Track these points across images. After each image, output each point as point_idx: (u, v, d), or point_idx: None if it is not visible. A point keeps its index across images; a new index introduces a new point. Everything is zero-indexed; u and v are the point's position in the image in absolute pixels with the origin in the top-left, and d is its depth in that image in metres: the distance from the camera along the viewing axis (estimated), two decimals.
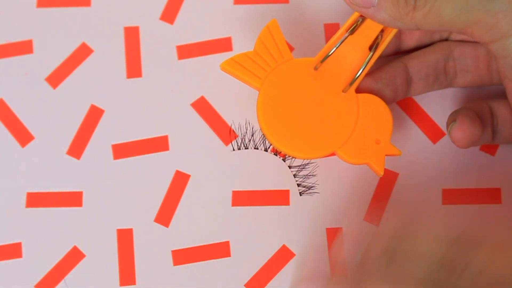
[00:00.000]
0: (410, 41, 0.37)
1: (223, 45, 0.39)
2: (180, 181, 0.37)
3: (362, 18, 0.35)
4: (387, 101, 0.35)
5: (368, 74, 0.35)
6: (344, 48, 0.35)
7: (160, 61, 0.39)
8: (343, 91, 0.35)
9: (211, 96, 0.39)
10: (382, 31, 0.35)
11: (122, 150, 0.38)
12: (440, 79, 0.36)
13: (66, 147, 0.38)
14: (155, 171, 0.38)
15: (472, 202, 0.37)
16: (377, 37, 0.35)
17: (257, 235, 0.37)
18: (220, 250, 0.37)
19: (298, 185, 0.37)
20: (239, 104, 0.38)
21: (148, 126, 0.38)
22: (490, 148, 0.38)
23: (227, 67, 0.35)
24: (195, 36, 0.40)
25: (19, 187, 0.37)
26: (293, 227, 0.37)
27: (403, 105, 0.38)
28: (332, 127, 0.34)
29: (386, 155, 0.35)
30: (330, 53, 0.35)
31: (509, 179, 0.37)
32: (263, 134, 0.36)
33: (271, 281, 0.36)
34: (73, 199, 0.37)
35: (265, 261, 0.36)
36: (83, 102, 0.39)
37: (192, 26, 0.40)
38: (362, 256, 0.30)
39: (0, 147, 0.38)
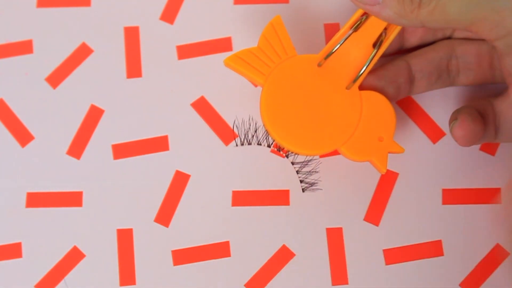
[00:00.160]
0: (413, 39, 0.37)
1: (223, 45, 0.39)
2: (180, 181, 0.37)
3: (366, 15, 0.35)
4: (390, 99, 0.35)
5: (371, 71, 0.35)
6: (348, 45, 0.35)
7: (160, 61, 0.39)
8: (347, 88, 0.35)
9: (211, 96, 0.39)
10: (385, 28, 0.35)
11: (122, 150, 0.38)
12: (443, 77, 0.36)
13: (66, 147, 0.38)
14: (155, 171, 0.38)
15: (472, 202, 0.37)
16: (381, 35, 0.35)
17: (257, 235, 0.37)
18: (220, 250, 0.37)
19: (301, 181, 0.37)
20: (239, 104, 0.38)
21: (148, 126, 0.38)
22: (490, 148, 0.38)
23: (230, 63, 0.35)
24: (195, 36, 0.40)
25: (19, 187, 0.37)
26: (293, 227, 0.37)
27: (403, 105, 0.38)
28: (335, 124, 0.34)
29: (389, 152, 0.35)
30: (333, 50, 0.35)
31: (509, 179, 0.37)
32: (266, 130, 0.36)
33: (271, 281, 0.36)
34: (73, 199, 0.37)
35: (265, 261, 0.36)
36: (83, 102, 0.39)
37: (192, 26, 0.40)
38: None
39: (0, 147, 0.38)
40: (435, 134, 0.38)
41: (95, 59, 0.39)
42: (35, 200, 0.37)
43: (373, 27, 0.35)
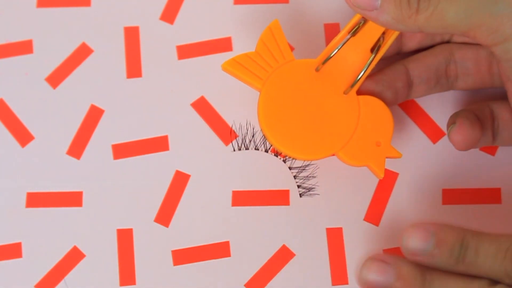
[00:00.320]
0: (411, 43, 0.37)
1: (223, 45, 0.39)
2: (180, 181, 0.37)
3: (364, 20, 0.35)
4: (388, 104, 0.35)
5: (369, 76, 0.35)
6: (346, 50, 0.35)
7: (160, 61, 0.39)
8: (344, 92, 0.35)
9: (211, 96, 0.39)
10: (383, 33, 0.35)
11: (122, 150, 0.38)
12: (441, 82, 0.36)
13: (66, 147, 0.38)
14: (155, 171, 0.38)
15: (472, 202, 0.37)
16: (378, 39, 0.35)
17: (257, 235, 0.37)
18: (220, 250, 0.37)
19: (298, 186, 0.37)
20: (239, 104, 0.38)
21: (148, 126, 0.38)
22: (490, 148, 0.38)
23: (228, 67, 0.35)
24: (195, 36, 0.40)
25: (19, 187, 0.37)
26: (293, 227, 0.37)
27: (403, 105, 0.38)
28: (333, 128, 0.34)
29: (386, 157, 0.35)
30: (331, 55, 0.35)
31: (509, 179, 0.37)
32: (263, 135, 0.36)
33: (271, 281, 0.36)
34: (73, 199, 0.37)
35: (265, 261, 0.36)
36: (83, 102, 0.39)
37: (192, 26, 0.40)
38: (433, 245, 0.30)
39: (0, 147, 0.38)
40: (435, 134, 0.38)
41: (95, 59, 0.39)
42: (35, 200, 0.37)
43: (371, 32, 0.35)
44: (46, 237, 0.37)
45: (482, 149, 0.38)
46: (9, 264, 0.36)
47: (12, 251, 0.37)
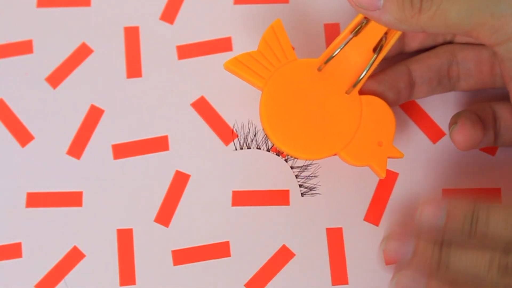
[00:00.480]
0: (413, 43, 0.37)
1: (223, 45, 0.39)
2: (180, 181, 0.37)
3: (367, 19, 0.35)
4: (390, 104, 0.35)
5: (371, 76, 0.35)
6: (348, 50, 0.35)
7: (160, 61, 0.39)
8: (346, 92, 0.35)
9: (211, 96, 0.39)
10: (386, 33, 0.35)
11: (122, 150, 0.38)
12: (443, 82, 0.36)
13: (66, 147, 0.38)
14: (155, 171, 0.38)
15: None
16: (381, 39, 0.35)
17: (257, 235, 0.37)
18: (220, 250, 0.37)
19: (300, 186, 0.37)
20: (239, 104, 0.38)
21: (148, 126, 0.38)
22: (490, 148, 0.38)
23: (230, 66, 0.35)
24: (195, 36, 0.40)
25: (19, 187, 0.37)
26: (293, 227, 0.37)
27: (404, 105, 0.38)
28: (335, 128, 0.34)
29: (388, 157, 0.35)
30: (334, 55, 0.35)
31: (509, 179, 0.37)
32: (265, 134, 0.36)
33: (271, 281, 0.36)
34: (73, 199, 0.37)
35: (265, 261, 0.36)
36: (83, 102, 0.39)
37: (192, 26, 0.40)
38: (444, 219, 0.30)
39: (0, 147, 0.38)
40: (435, 134, 0.38)
41: (95, 59, 0.39)
42: (35, 200, 0.37)
43: (373, 32, 0.35)
44: (46, 237, 0.37)
45: (482, 149, 0.38)
46: (9, 264, 0.36)
47: (12, 251, 0.37)
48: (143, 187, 0.37)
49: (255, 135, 0.38)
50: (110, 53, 0.39)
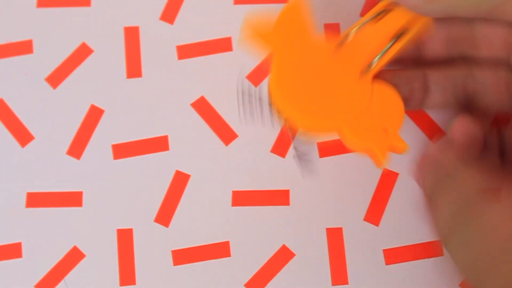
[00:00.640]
0: (430, 54, 0.36)
1: (223, 45, 0.39)
2: (180, 181, 0.37)
3: (387, 9, 0.34)
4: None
5: (387, 69, 0.35)
6: (367, 36, 0.34)
7: (160, 61, 0.39)
8: (360, 76, 0.34)
9: (211, 96, 0.39)
10: (406, 28, 0.34)
11: (122, 150, 0.38)
12: (458, 95, 0.35)
13: (66, 147, 0.38)
14: (155, 171, 0.38)
15: None
16: (400, 31, 0.34)
17: (257, 235, 0.37)
18: (220, 250, 0.37)
19: (295, 148, 0.36)
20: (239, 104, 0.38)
21: (148, 126, 0.38)
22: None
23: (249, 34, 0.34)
24: (195, 36, 0.40)
25: (19, 187, 0.37)
26: (293, 227, 0.37)
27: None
28: (341, 106, 0.34)
29: (391, 146, 0.34)
30: (349, 36, 0.34)
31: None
32: (271, 101, 0.35)
33: (271, 281, 0.36)
34: (73, 199, 0.37)
35: (265, 261, 0.36)
36: (83, 102, 0.39)
37: (192, 26, 0.40)
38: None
39: (0, 147, 0.38)
40: (435, 134, 0.38)
41: (95, 59, 0.39)
42: (35, 200, 0.37)
43: (395, 21, 0.34)
44: (46, 237, 0.37)
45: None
46: (9, 264, 0.36)
47: (12, 251, 0.37)
48: (143, 187, 0.37)
49: (260, 101, 0.37)
50: (110, 53, 0.39)
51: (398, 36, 0.34)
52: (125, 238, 0.37)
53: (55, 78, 0.39)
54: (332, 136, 0.36)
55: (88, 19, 0.40)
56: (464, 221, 0.30)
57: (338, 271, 0.36)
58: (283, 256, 0.37)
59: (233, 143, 0.38)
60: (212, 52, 0.39)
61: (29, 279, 0.36)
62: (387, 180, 0.37)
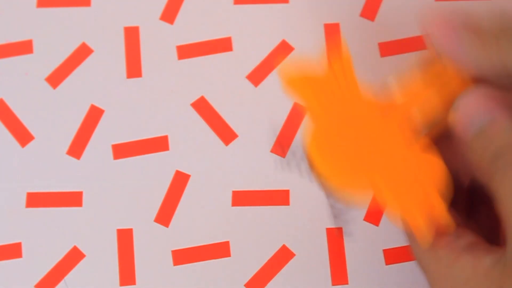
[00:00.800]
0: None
1: (223, 45, 0.39)
2: (180, 181, 0.37)
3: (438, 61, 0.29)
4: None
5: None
6: (421, 96, 0.29)
7: (160, 61, 0.39)
8: (409, 140, 0.30)
9: (211, 96, 0.39)
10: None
11: (122, 150, 0.38)
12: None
13: (66, 147, 0.38)
14: (155, 171, 0.38)
15: None
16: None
17: (257, 235, 0.37)
18: (220, 250, 0.37)
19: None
20: (239, 104, 0.38)
21: (148, 126, 0.38)
22: None
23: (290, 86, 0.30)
24: (195, 36, 0.40)
25: (19, 187, 0.37)
26: (293, 227, 0.37)
27: None
28: (383, 168, 0.30)
29: (436, 219, 0.29)
30: (395, 89, 0.29)
31: None
32: (308, 158, 0.32)
33: (271, 281, 0.36)
34: (73, 199, 0.37)
35: (265, 261, 0.36)
36: (83, 102, 0.39)
37: (192, 26, 0.40)
38: None
39: (0, 147, 0.38)
40: None
41: (95, 59, 0.39)
42: (35, 200, 0.37)
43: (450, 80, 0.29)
44: (46, 237, 0.37)
45: None
46: (9, 264, 0.36)
47: (12, 251, 0.37)
48: (143, 187, 0.37)
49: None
50: (110, 53, 0.39)
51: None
52: (125, 238, 0.37)
53: (55, 78, 0.39)
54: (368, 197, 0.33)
55: (88, 19, 0.40)
56: None
57: (338, 271, 0.36)
58: (283, 256, 0.37)
59: (233, 143, 0.38)
60: (212, 52, 0.39)
61: (29, 279, 0.36)
62: None
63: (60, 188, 0.37)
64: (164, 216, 0.37)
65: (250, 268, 0.36)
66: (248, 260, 0.36)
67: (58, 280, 0.36)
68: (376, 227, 0.37)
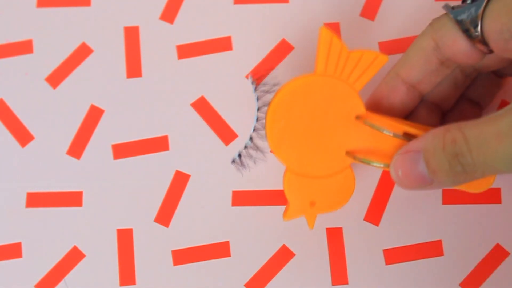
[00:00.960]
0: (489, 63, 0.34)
1: (223, 44, 0.39)
2: (180, 181, 0.37)
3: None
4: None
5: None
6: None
7: (160, 61, 0.39)
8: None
9: (211, 96, 0.39)
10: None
11: (122, 150, 0.38)
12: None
13: (66, 147, 0.38)
14: (155, 171, 0.38)
15: (472, 202, 0.37)
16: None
17: (257, 235, 0.37)
18: (220, 250, 0.37)
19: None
20: (239, 104, 0.38)
21: (148, 126, 0.38)
22: None
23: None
24: (195, 36, 0.40)
25: (19, 187, 0.37)
26: (293, 227, 0.37)
27: None
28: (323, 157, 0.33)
29: (308, 215, 0.34)
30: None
31: (509, 179, 0.37)
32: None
33: (271, 281, 0.36)
34: (73, 199, 0.37)
35: (265, 261, 0.36)
36: (83, 102, 0.39)
37: (192, 26, 0.40)
38: None
39: (0, 147, 0.38)
40: None
41: (95, 59, 0.39)
42: (35, 200, 0.37)
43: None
44: (46, 237, 0.37)
45: None
46: (9, 264, 0.37)
47: (12, 251, 0.37)
48: (143, 187, 0.37)
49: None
50: (110, 53, 0.39)
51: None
52: (125, 238, 0.37)
53: (55, 78, 0.39)
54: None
55: (88, 19, 0.40)
56: None
57: (338, 271, 0.36)
58: (283, 256, 0.37)
59: (233, 143, 0.38)
60: (212, 52, 0.39)
61: (29, 279, 0.36)
62: (387, 180, 0.37)
63: (60, 188, 0.37)
64: (164, 216, 0.37)
65: (250, 268, 0.36)
66: (248, 260, 0.36)
67: (58, 280, 0.36)
68: (376, 227, 0.37)
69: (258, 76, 0.33)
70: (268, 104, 0.32)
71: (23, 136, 0.38)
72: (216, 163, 0.38)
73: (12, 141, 0.38)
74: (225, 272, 0.36)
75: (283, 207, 0.37)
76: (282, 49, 0.39)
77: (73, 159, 0.38)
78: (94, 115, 0.38)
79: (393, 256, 0.36)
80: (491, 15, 0.29)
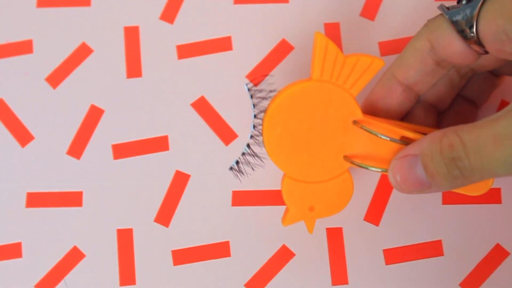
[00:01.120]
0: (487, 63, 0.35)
1: (223, 44, 0.39)
2: (180, 181, 0.37)
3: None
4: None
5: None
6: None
7: (160, 61, 0.39)
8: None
9: (211, 96, 0.39)
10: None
11: (122, 150, 0.38)
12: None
13: (66, 147, 0.38)
14: (155, 171, 0.38)
15: (472, 202, 0.37)
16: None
17: (257, 235, 0.37)
18: (220, 250, 0.37)
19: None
20: (239, 104, 0.38)
21: (148, 126, 0.38)
22: None
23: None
24: (195, 36, 0.40)
25: (19, 187, 0.37)
26: (293, 227, 0.37)
27: None
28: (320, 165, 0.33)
29: (307, 219, 0.34)
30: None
31: (509, 179, 0.37)
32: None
33: (271, 281, 0.36)
34: (73, 199, 0.37)
35: (265, 261, 0.36)
36: (83, 102, 0.39)
37: (192, 26, 0.40)
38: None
39: (0, 147, 0.38)
40: None
41: (95, 59, 0.39)
42: (35, 200, 0.37)
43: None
44: (46, 237, 0.37)
45: None
46: (9, 264, 0.37)
47: (12, 251, 0.37)
48: (143, 187, 0.37)
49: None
50: (110, 53, 0.39)
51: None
52: (125, 238, 0.37)
53: (55, 78, 0.39)
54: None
55: (88, 19, 0.40)
56: None
57: (338, 271, 0.36)
58: (283, 256, 0.37)
59: (233, 143, 0.38)
60: (212, 52, 0.39)
61: (29, 279, 0.36)
62: (387, 181, 0.37)
63: (60, 188, 0.37)
64: (164, 216, 0.37)
65: (250, 268, 0.36)
66: (248, 260, 0.36)
67: (58, 280, 0.36)
68: (376, 227, 0.37)
69: (254, 83, 0.33)
70: (264, 110, 0.32)
71: (23, 136, 0.38)
72: (216, 163, 0.38)
73: (12, 141, 0.38)
74: (225, 272, 0.36)
75: (283, 207, 0.37)
76: (282, 49, 0.39)
77: (73, 159, 0.38)
78: (94, 115, 0.38)
79: (393, 256, 0.36)
80: (486, 16, 0.29)
